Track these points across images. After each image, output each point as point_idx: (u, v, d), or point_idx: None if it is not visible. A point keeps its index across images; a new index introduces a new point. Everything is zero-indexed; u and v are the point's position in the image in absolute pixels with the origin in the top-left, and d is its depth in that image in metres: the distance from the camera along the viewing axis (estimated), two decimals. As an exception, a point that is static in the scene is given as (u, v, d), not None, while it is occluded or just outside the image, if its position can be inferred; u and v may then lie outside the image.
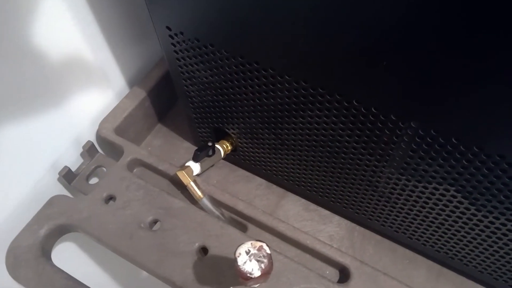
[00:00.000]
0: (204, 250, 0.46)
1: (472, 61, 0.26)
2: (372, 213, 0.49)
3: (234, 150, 0.55)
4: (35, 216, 0.49)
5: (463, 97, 0.29)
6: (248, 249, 0.31)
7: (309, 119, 0.40)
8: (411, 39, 0.27)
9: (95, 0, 0.48)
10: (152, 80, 0.60)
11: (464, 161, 0.33)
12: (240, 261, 0.31)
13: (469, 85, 0.28)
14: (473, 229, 0.40)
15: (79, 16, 0.47)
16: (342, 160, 0.43)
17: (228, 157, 0.57)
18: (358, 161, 0.41)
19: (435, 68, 0.28)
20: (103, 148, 0.58)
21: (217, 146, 0.53)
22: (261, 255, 0.31)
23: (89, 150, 0.53)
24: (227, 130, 0.52)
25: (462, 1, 0.23)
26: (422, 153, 0.35)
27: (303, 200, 0.57)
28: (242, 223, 0.50)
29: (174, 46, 0.42)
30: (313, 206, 0.56)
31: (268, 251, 0.32)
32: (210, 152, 0.51)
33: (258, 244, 0.32)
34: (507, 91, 0.26)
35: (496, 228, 0.38)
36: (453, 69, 0.27)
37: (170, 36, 0.41)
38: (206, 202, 0.49)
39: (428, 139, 0.33)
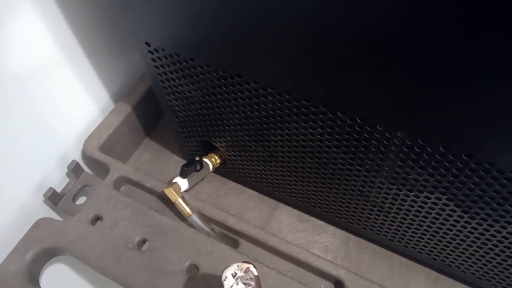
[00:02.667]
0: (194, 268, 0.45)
1: (455, 70, 0.25)
2: (366, 222, 0.48)
3: (223, 163, 0.54)
4: (21, 240, 0.48)
5: (448, 106, 0.28)
6: (235, 272, 0.30)
7: (295, 130, 0.39)
8: (394, 50, 0.26)
9: (74, 15, 0.47)
10: (138, 94, 0.59)
11: (453, 169, 0.32)
12: (226, 285, 0.30)
13: (453, 94, 0.27)
14: (467, 237, 0.39)
15: (58, 32, 0.46)
16: (332, 171, 0.42)
17: (218, 170, 0.56)
18: (347, 172, 0.40)
19: (419, 78, 0.27)
20: (89, 166, 0.57)
21: (205, 160, 0.52)
22: (248, 277, 0.30)
23: (74, 170, 0.52)
24: (214, 143, 0.51)
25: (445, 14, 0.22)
26: (411, 163, 0.34)
27: (296, 211, 0.55)
28: (234, 238, 0.49)
29: (155, 61, 0.41)
30: (306, 216, 0.55)
31: (255, 273, 0.30)
32: (198, 167, 0.50)
33: (245, 266, 0.30)
34: (493, 99, 0.26)
35: (491, 235, 0.37)
36: (437, 79, 0.26)
37: (150, 51, 0.40)
38: (195, 219, 0.48)
39: (415, 148, 0.32)
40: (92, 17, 0.50)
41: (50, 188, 0.50)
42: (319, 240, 0.53)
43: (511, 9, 0.20)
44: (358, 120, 0.33)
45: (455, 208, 0.36)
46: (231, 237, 0.49)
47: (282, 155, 0.44)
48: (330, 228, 0.54)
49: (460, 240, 0.41)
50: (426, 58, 0.25)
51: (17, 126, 0.45)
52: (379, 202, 0.42)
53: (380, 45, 0.26)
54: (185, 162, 0.51)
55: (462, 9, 0.22)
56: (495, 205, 0.33)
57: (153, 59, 0.41)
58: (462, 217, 0.37)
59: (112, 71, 0.57)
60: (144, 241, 0.47)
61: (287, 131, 0.40)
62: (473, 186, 0.32)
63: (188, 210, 0.47)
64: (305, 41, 0.29)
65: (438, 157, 0.32)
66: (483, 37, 0.22)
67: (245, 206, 0.57)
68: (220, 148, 0.51)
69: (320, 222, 0.54)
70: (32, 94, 0.46)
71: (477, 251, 0.41)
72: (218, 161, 0.53)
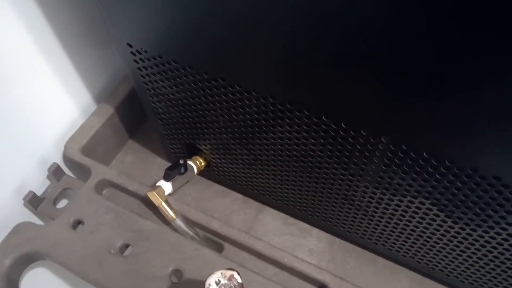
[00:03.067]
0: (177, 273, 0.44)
1: (436, 76, 0.25)
2: (351, 226, 0.48)
3: (208, 165, 0.54)
4: (0, 245, 0.46)
5: (431, 112, 0.28)
6: (218, 279, 0.30)
7: (280, 134, 0.39)
8: (377, 56, 0.26)
9: (53, 14, 0.46)
10: (120, 95, 0.58)
11: (436, 174, 0.32)
12: (209, 293, 0.29)
13: (435, 100, 0.27)
14: (451, 241, 0.40)
15: (36, 31, 0.45)
16: (317, 175, 0.41)
17: (202, 173, 0.56)
18: (332, 176, 0.40)
19: (401, 84, 0.27)
20: (70, 169, 0.56)
21: (190, 162, 0.51)
22: (231, 285, 0.29)
23: (55, 172, 0.51)
24: (199, 146, 0.50)
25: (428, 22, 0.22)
26: (395, 167, 0.34)
27: (282, 214, 0.55)
28: (218, 242, 0.48)
29: (137, 63, 0.40)
30: (292, 219, 0.55)
31: (239, 280, 0.30)
32: (182, 170, 0.49)
33: (229, 273, 0.30)
34: (474, 105, 0.25)
35: (474, 239, 0.37)
36: (419, 85, 0.26)
37: (132, 53, 0.39)
38: (179, 223, 0.47)
39: (399, 153, 0.32)
40: (72, 15, 0.49)
41: (30, 192, 0.49)
42: (304, 243, 0.53)
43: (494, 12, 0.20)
44: (342, 125, 0.33)
45: (438, 212, 0.36)
46: (216, 241, 0.48)
47: (267, 159, 0.44)
48: (315, 231, 0.54)
49: (443, 244, 0.41)
50: (408, 64, 0.25)
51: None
52: (363, 206, 0.42)
53: (362, 51, 0.26)
54: (169, 164, 0.50)
55: (449, 11, 0.22)
56: (478, 210, 0.33)
57: (135, 61, 0.40)
58: (445, 222, 0.37)
59: (94, 71, 0.56)
60: (126, 246, 0.46)
61: (271, 134, 0.39)
62: (456, 191, 0.32)
63: (172, 214, 0.47)
64: (287, 45, 0.29)
65: (422, 162, 0.32)
66: (461, 41, 0.22)
67: (230, 209, 0.56)
68: (205, 151, 0.51)
69: (306, 225, 0.54)
70: (9, 94, 0.45)
71: (460, 255, 0.41)
72: (202, 163, 0.52)
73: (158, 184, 0.48)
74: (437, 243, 0.41)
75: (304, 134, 0.36)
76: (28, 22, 0.43)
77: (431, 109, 0.27)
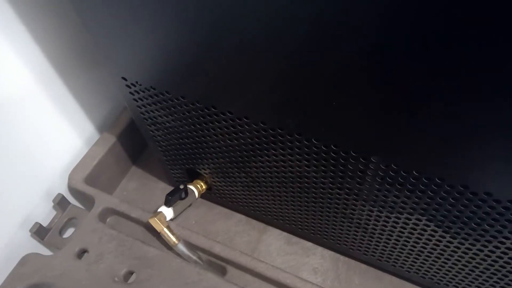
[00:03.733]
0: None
1: (421, 97, 0.25)
2: (353, 243, 0.48)
3: (209, 188, 0.54)
4: (8, 277, 0.47)
5: (417, 131, 0.28)
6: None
7: (274, 157, 0.39)
8: (361, 78, 0.26)
9: (53, 48, 0.48)
10: (122, 124, 0.59)
11: (429, 192, 0.32)
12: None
13: (422, 122, 0.27)
14: (452, 256, 0.39)
15: (37, 66, 0.46)
16: (314, 194, 0.42)
17: (205, 195, 0.56)
18: (329, 195, 0.40)
19: (387, 105, 0.27)
20: (75, 198, 0.57)
21: (191, 187, 0.52)
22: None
23: (60, 203, 0.52)
24: (198, 170, 0.51)
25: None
26: (388, 186, 0.34)
27: (285, 234, 0.55)
28: (221, 265, 0.48)
29: (133, 94, 0.42)
30: (295, 238, 0.55)
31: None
32: (183, 195, 0.50)
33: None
34: (461, 124, 0.26)
35: (474, 254, 0.37)
36: (404, 105, 0.27)
37: (127, 85, 0.41)
38: (182, 248, 0.47)
39: (390, 172, 0.32)
40: (72, 49, 0.50)
41: (36, 223, 0.50)
42: (308, 262, 0.53)
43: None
44: (333, 147, 0.33)
45: (436, 228, 0.36)
46: (219, 264, 0.48)
47: (264, 181, 0.44)
48: (319, 249, 0.53)
49: (445, 258, 0.40)
50: (393, 84, 0.26)
51: (0, 162, 0.45)
52: (362, 224, 0.42)
53: (344, 73, 0.27)
54: (172, 188, 0.51)
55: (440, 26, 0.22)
56: (473, 225, 0.33)
57: (131, 93, 0.42)
58: (443, 237, 0.37)
59: (95, 102, 0.57)
60: (131, 273, 0.47)
61: (266, 157, 0.40)
62: (450, 207, 0.33)
63: (174, 239, 0.47)
64: (272, 75, 0.30)
65: (413, 181, 0.32)
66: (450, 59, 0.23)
67: (234, 230, 0.56)
68: (205, 175, 0.51)
69: (309, 244, 0.54)
70: (14, 130, 0.46)
71: (462, 269, 0.41)
72: (204, 187, 0.53)
73: (159, 210, 0.49)
74: (439, 258, 0.41)
75: (297, 156, 0.37)
76: (28, 59, 0.45)
77: (418, 128, 0.28)
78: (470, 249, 0.37)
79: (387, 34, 0.23)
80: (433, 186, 0.31)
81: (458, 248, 0.37)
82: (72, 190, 0.55)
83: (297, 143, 0.35)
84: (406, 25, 0.22)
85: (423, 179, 0.31)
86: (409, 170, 0.31)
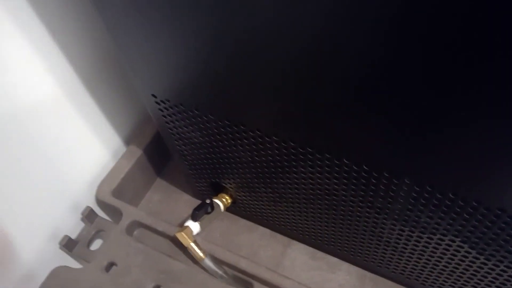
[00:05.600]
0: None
1: (453, 116, 0.25)
2: (381, 260, 0.47)
3: (234, 202, 0.54)
4: (38, 290, 0.48)
5: (454, 153, 0.27)
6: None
7: (302, 175, 0.39)
8: (391, 100, 0.26)
9: (81, 60, 0.49)
10: (148, 136, 0.60)
11: (464, 214, 0.31)
12: None
13: (457, 143, 0.26)
14: (485, 277, 0.38)
15: (65, 78, 0.47)
16: (342, 212, 0.41)
17: (229, 208, 0.56)
18: (358, 213, 0.40)
19: (421, 126, 0.27)
20: (103, 210, 0.58)
21: (216, 201, 0.52)
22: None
23: (88, 216, 0.53)
24: (224, 184, 0.51)
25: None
26: (421, 207, 0.34)
27: (310, 248, 0.55)
28: (247, 280, 0.48)
29: (162, 111, 0.42)
30: (320, 254, 0.54)
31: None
32: (209, 209, 0.50)
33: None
34: (499, 145, 0.25)
35: (510, 276, 0.36)
36: (438, 125, 0.26)
37: (156, 102, 0.41)
38: (208, 263, 0.47)
39: (424, 194, 0.32)
40: (100, 61, 0.51)
41: (65, 236, 0.51)
42: (334, 279, 0.52)
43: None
44: (364, 167, 0.33)
45: (470, 249, 0.36)
46: (244, 280, 0.48)
47: (291, 197, 0.44)
48: (345, 265, 0.53)
49: (478, 279, 0.39)
50: (424, 103, 0.25)
51: (30, 175, 0.46)
52: (392, 242, 0.42)
53: (375, 94, 0.26)
54: (196, 200, 0.51)
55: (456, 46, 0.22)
56: (510, 247, 0.32)
57: (160, 109, 0.42)
58: (477, 258, 0.36)
59: (123, 115, 0.58)
60: (158, 287, 0.47)
61: (294, 175, 0.40)
62: (485, 229, 0.32)
63: (200, 254, 0.47)
64: (304, 92, 0.30)
65: (448, 203, 0.31)
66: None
67: (258, 244, 0.56)
68: (230, 189, 0.51)
69: (334, 259, 0.53)
70: (42, 145, 0.47)
71: (497, 291, 0.40)
72: (228, 201, 0.53)
73: (186, 224, 0.49)
74: (471, 279, 0.40)
75: (327, 174, 0.37)
76: (56, 70, 0.46)
77: (453, 150, 0.27)
78: (506, 271, 0.36)
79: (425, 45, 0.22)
80: (469, 209, 0.31)
81: (493, 269, 0.36)
82: (100, 202, 0.55)
83: (327, 162, 0.35)
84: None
85: (459, 201, 0.30)
86: (444, 192, 0.31)
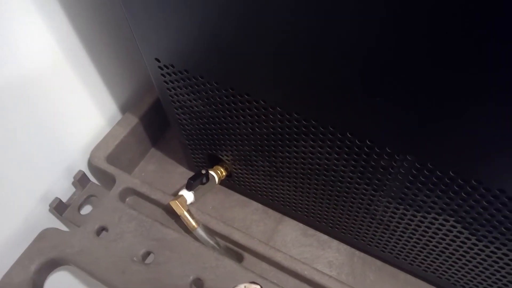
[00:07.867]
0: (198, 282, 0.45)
1: (464, 96, 0.25)
2: (371, 239, 0.48)
3: (229, 175, 0.54)
4: (26, 251, 0.48)
5: (459, 131, 0.28)
6: (242, 292, 0.30)
7: (303, 148, 0.39)
8: (406, 74, 0.26)
9: (83, 27, 0.47)
10: (145, 105, 0.59)
11: (462, 193, 0.32)
12: (233, 305, 0.30)
13: (463, 120, 0.27)
14: (474, 258, 0.39)
15: (64, 41, 0.46)
16: (339, 188, 0.42)
17: (223, 182, 0.56)
18: (354, 190, 0.40)
19: (429, 103, 0.27)
20: (95, 176, 0.57)
21: (211, 172, 0.52)
22: (255, 299, 0.30)
23: (80, 180, 0.52)
24: (221, 156, 0.51)
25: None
26: (419, 185, 0.34)
27: (301, 225, 0.55)
28: (238, 252, 0.49)
29: (164, 76, 0.41)
30: (311, 231, 0.55)
31: (263, 294, 0.30)
32: (204, 180, 0.50)
33: (252, 286, 0.30)
34: (502, 126, 0.25)
35: (498, 257, 0.37)
36: (447, 104, 0.26)
37: (160, 67, 0.40)
38: (201, 232, 0.47)
39: (425, 171, 0.32)
40: (102, 28, 0.50)
41: (56, 198, 0.50)
42: (323, 255, 0.53)
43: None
44: (367, 142, 0.33)
45: (463, 230, 0.36)
46: (236, 251, 0.49)
47: (288, 171, 0.44)
48: (335, 243, 0.54)
49: (466, 260, 0.40)
50: (430, 82, 0.25)
51: (23, 136, 0.45)
52: (385, 221, 0.42)
53: (383, 69, 0.26)
54: (190, 173, 0.51)
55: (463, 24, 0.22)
56: (503, 229, 0.33)
57: (162, 75, 0.41)
58: (468, 239, 0.37)
59: (120, 82, 0.57)
60: (149, 254, 0.47)
61: (294, 148, 0.40)
62: (482, 210, 0.32)
63: (193, 223, 0.47)
64: (312, 64, 0.29)
65: (447, 181, 0.32)
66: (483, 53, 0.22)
67: (250, 219, 0.57)
68: (226, 161, 0.51)
69: (325, 237, 0.54)
70: (37, 104, 0.46)
71: (483, 272, 0.41)
72: (224, 173, 0.53)
73: (180, 193, 0.49)
74: (460, 260, 0.41)
75: (328, 149, 0.37)
76: (58, 35, 0.45)
77: (458, 128, 0.27)
78: (495, 253, 0.37)
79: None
80: (468, 188, 0.31)
81: (482, 250, 0.37)
82: (93, 168, 0.55)
83: (330, 136, 0.35)
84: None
85: (459, 180, 0.31)
86: (445, 171, 0.31)
